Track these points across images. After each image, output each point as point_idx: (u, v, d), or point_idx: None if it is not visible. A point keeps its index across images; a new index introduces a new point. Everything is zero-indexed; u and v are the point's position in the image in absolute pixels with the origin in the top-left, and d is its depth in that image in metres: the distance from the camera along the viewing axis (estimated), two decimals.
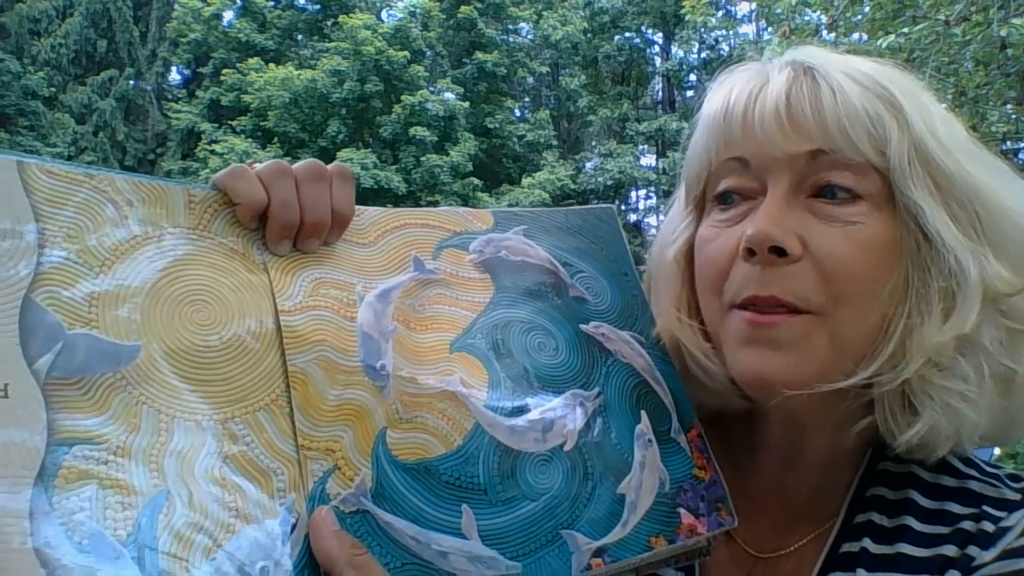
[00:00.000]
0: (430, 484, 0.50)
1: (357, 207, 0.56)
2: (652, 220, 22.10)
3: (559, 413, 0.57)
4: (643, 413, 0.61)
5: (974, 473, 0.63)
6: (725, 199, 0.63)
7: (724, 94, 0.63)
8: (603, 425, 0.59)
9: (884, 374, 0.57)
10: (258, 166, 0.51)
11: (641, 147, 21.51)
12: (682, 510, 0.59)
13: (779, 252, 0.56)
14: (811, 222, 0.58)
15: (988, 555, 0.57)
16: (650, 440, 0.60)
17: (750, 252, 0.58)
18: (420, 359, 0.53)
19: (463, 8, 20.35)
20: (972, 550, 0.58)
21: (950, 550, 0.59)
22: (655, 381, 0.63)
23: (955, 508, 0.61)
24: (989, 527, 0.59)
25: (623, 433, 0.59)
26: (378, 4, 22.90)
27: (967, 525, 0.59)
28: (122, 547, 0.39)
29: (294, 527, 0.45)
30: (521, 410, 0.55)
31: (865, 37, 5.09)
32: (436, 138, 18.73)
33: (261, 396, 0.46)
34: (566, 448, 0.56)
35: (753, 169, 0.60)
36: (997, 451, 3.44)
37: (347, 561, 0.45)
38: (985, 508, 0.60)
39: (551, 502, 0.53)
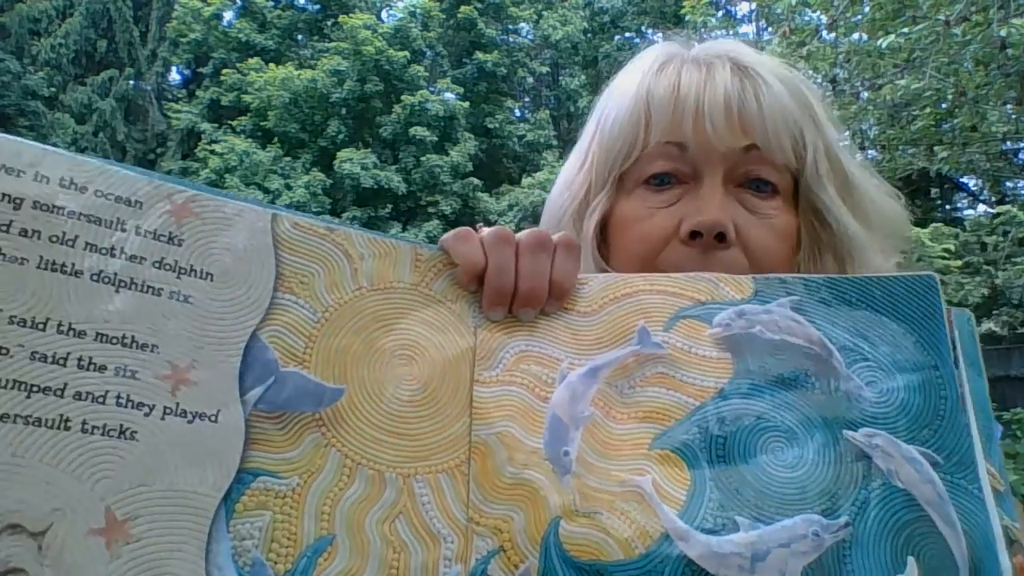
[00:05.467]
0: None
1: (585, 275, 0.53)
2: None
3: (780, 541, 0.45)
4: (911, 561, 0.47)
5: None
6: (659, 180, 0.67)
7: (670, 80, 0.67)
8: (843, 567, 0.46)
9: None
10: (484, 231, 0.52)
11: None
12: None
13: (720, 238, 0.63)
14: (740, 212, 0.66)
15: None
16: None
17: (694, 235, 0.64)
18: (611, 452, 0.48)
19: (463, 8, 20.35)
20: None
21: None
22: (944, 520, 0.47)
23: None
24: None
25: None
26: (378, 4, 22.89)
27: None
28: None
29: None
30: (727, 528, 0.46)
31: (865, 37, 5.08)
32: (436, 138, 18.72)
33: (445, 459, 0.46)
34: None
35: (690, 155, 0.66)
36: None
37: None
38: None
39: None
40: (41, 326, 0.39)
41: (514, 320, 0.51)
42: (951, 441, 0.49)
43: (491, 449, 0.47)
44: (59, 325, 0.39)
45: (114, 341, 0.40)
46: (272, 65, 19.22)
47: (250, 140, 18.88)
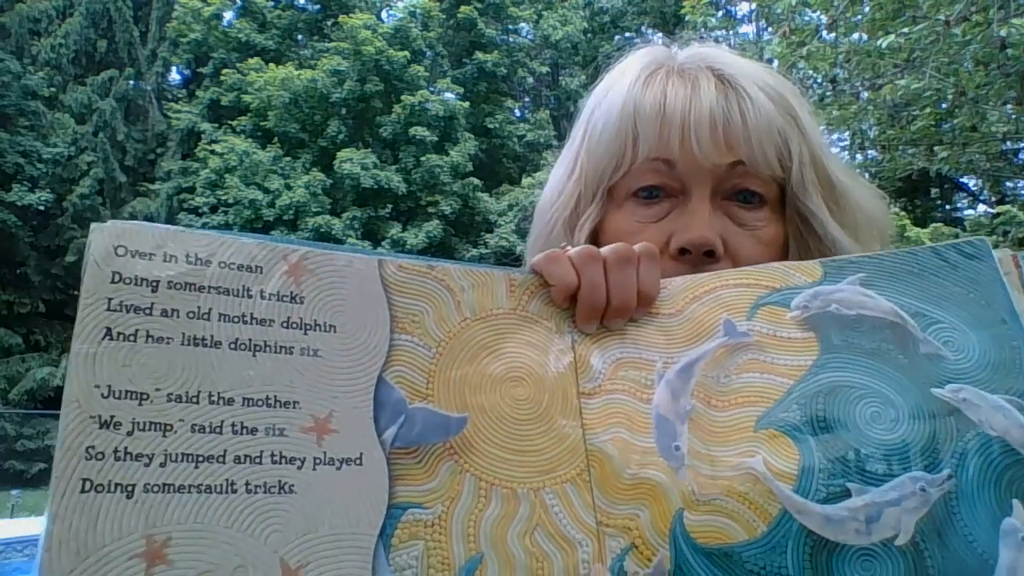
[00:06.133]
0: (732, 571, 0.47)
1: (663, 280, 0.56)
2: None
3: (891, 500, 0.48)
4: (1016, 503, 0.49)
5: None
6: (648, 193, 0.69)
7: (655, 95, 0.68)
8: (953, 517, 0.48)
9: None
10: (571, 251, 0.54)
11: None
12: None
13: (709, 254, 0.65)
14: (728, 226, 0.67)
15: None
16: None
17: (683, 252, 0.65)
18: (719, 439, 0.51)
19: (463, 8, 20.37)
20: None
21: None
22: None
23: None
24: None
25: (983, 528, 0.48)
26: (378, 4, 22.92)
27: None
28: None
29: None
30: (839, 496, 0.48)
31: (865, 37, 5.09)
32: (436, 138, 18.74)
33: (568, 469, 0.49)
34: (898, 543, 0.47)
35: (678, 171, 0.67)
36: None
37: None
38: None
39: None
40: (195, 399, 0.42)
41: (605, 330, 0.54)
42: None
43: (607, 455, 0.49)
44: (210, 396, 0.43)
45: (260, 403, 0.44)
46: (272, 65, 19.23)
47: (250, 140, 18.88)
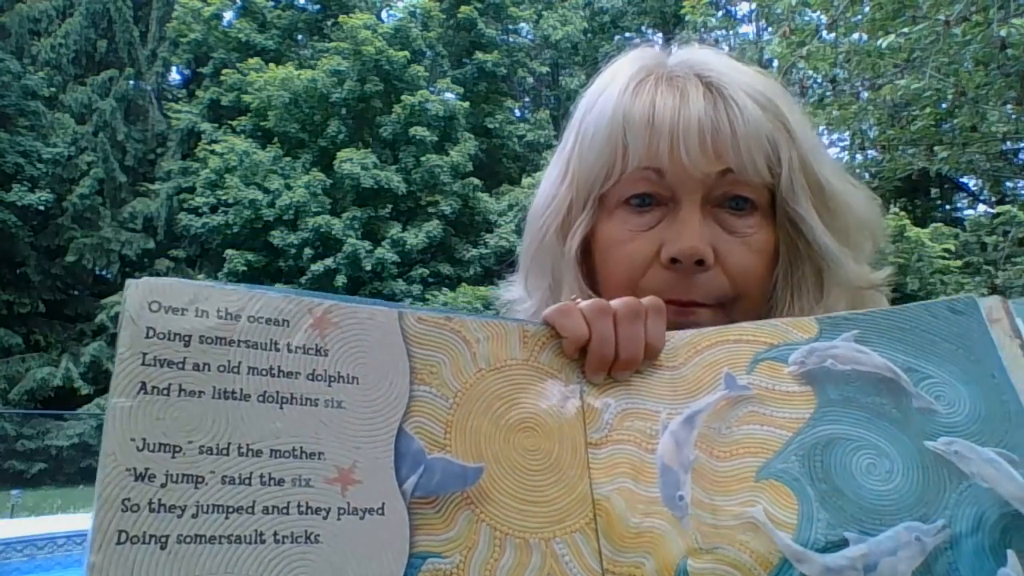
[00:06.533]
0: None
1: (667, 332, 0.57)
2: None
3: (887, 550, 0.49)
4: (1011, 554, 0.50)
5: None
6: (639, 201, 0.70)
7: (644, 105, 0.68)
8: (949, 568, 0.49)
9: None
10: (582, 304, 0.55)
11: None
12: None
13: (699, 263, 0.66)
14: (719, 234, 0.68)
15: None
16: None
17: (674, 261, 0.66)
18: (721, 489, 0.52)
19: (463, 8, 20.37)
20: None
21: None
22: None
23: None
24: None
25: None
26: (378, 4, 22.92)
27: None
28: None
29: None
30: (838, 545, 0.49)
31: (865, 37, 5.09)
32: (436, 138, 18.74)
33: (577, 519, 0.50)
34: None
35: (668, 180, 0.68)
36: None
37: None
38: None
39: None
40: (225, 451, 0.43)
41: (612, 381, 0.55)
42: (1021, 439, 0.54)
43: (613, 504, 0.51)
44: (239, 448, 0.44)
45: (287, 455, 0.45)
46: (272, 65, 19.22)
47: (250, 140, 18.88)
